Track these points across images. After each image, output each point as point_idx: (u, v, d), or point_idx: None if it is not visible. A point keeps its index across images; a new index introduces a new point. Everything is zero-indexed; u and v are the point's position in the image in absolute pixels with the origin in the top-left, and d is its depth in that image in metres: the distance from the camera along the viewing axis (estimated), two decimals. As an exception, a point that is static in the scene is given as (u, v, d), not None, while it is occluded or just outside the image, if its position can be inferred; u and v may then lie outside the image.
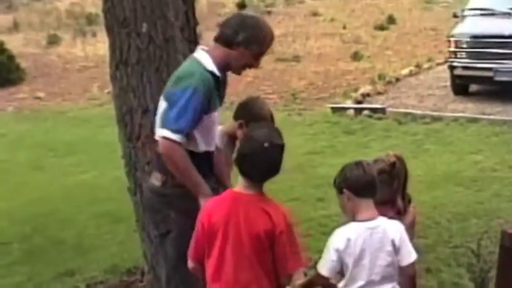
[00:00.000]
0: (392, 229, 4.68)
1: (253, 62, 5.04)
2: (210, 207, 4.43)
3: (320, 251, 6.37)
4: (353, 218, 4.63)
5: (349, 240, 4.53)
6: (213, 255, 4.32)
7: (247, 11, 23.42)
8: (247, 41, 4.87)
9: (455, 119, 14.06)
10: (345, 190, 4.60)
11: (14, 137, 14.99)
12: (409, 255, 4.73)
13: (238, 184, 4.38)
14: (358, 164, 4.68)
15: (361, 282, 4.61)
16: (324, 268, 4.59)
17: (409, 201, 5.13)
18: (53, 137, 14.80)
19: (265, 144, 4.28)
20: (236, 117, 5.50)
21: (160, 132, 4.81)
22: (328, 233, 8.06)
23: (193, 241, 4.45)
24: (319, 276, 4.63)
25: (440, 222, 8.49)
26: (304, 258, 4.47)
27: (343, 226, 4.64)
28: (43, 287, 7.14)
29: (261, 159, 4.27)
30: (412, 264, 4.79)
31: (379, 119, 14.58)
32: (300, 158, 11.30)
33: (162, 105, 4.90)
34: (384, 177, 4.90)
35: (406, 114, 14.75)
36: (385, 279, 4.66)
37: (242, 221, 4.23)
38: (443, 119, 14.20)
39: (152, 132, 5.58)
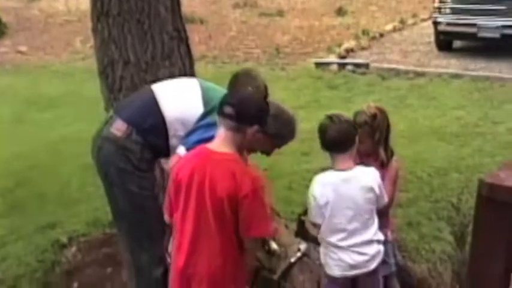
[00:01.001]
0: (369, 176, 4.75)
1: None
2: (182, 161, 4.39)
3: (303, 204, 6.44)
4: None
5: (324, 186, 4.68)
6: (178, 210, 4.28)
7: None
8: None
9: (439, 75, 14.09)
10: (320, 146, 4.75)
11: (-5, 91, 14.82)
12: (383, 199, 4.87)
13: (214, 140, 4.26)
14: (332, 118, 4.76)
15: (343, 234, 4.66)
16: (317, 216, 4.71)
17: (392, 155, 5.17)
18: (35, 91, 14.68)
19: (250, 89, 4.28)
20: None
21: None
22: (311, 187, 8.25)
23: (166, 194, 4.42)
24: (313, 225, 4.78)
25: (421, 176, 8.51)
26: (270, 225, 4.38)
27: (320, 174, 4.77)
28: (25, 240, 7.11)
29: (247, 102, 4.25)
30: (385, 206, 4.96)
31: (363, 74, 14.59)
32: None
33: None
34: (365, 128, 4.94)
35: (390, 69, 14.76)
36: (361, 229, 4.72)
37: (207, 181, 4.13)
38: (427, 75, 14.22)
39: (133, 83, 5.57)
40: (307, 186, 8.14)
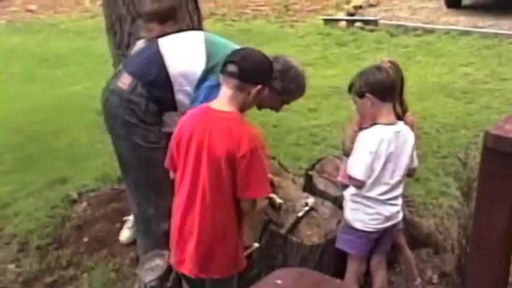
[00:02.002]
0: (411, 134, 4.75)
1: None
2: (185, 118, 4.34)
3: (311, 160, 6.48)
4: (374, 122, 4.65)
5: (381, 142, 4.57)
6: (179, 168, 4.28)
7: None
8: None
9: (447, 32, 14.03)
10: (367, 95, 4.58)
11: (6, 49, 14.85)
12: (416, 159, 4.92)
13: (217, 99, 4.22)
14: (380, 68, 4.65)
15: (385, 187, 4.68)
16: (361, 172, 4.61)
17: (407, 109, 5.13)
18: (45, 49, 14.72)
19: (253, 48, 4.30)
20: None
21: None
22: (318, 143, 8.30)
23: (169, 150, 4.41)
24: (355, 180, 4.65)
25: (429, 132, 8.53)
26: (268, 186, 4.25)
27: (370, 129, 4.65)
28: (35, 195, 7.17)
29: (250, 60, 4.17)
30: (416, 168, 5.00)
31: (371, 31, 14.55)
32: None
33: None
34: None
35: (398, 26, 14.71)
36: (400, 182, 4.77)
37: (206, 140, 4.08)
38: (435, 32, 14.16)
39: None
40: (315, 142, 8.33)
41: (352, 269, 4.91)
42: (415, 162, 4.94)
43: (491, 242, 2.62)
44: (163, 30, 5.17)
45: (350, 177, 4.69)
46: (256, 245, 4.75)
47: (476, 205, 2.74)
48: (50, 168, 7.90)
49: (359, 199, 4.72)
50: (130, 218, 5.91)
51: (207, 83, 4.81)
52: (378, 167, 4.60)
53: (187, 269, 4.29)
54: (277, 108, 5.14)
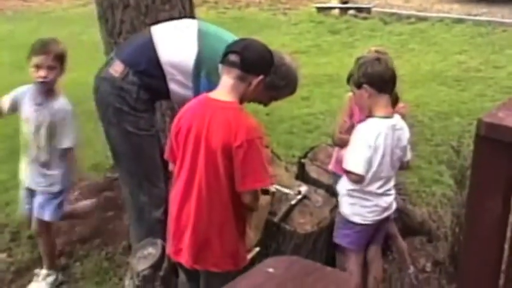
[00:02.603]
0: (406, 127, 4.73)
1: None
2: (184, 108, 4.30)
3: (304, 148, 6.45)
4: (370, 114, 4.61)
5: (379, 135, 4.53)
6: (178, 157, 4.22)
7: None
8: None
9: (441, 20, 14.04)
10: (365, 86, 4.53)
11: (-4, 38, 14.77)
12: (409, 152, 4.91)
13: (217, 89, 4.17)
14: (380, 59, 4.60)
15: (381, 181, 4.67)
16: (361, 167, 4.55)
17: (398, 99, 5.10)
18: (36, 37, 14.45)
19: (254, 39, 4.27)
20: None
21: None
22: (311, 131, 8.29)
23: (168, 141, 4.36)
24: (354, 175, 4.59)
25: (422, 120, 8.54)
26: (267, 177, 4.14)
27: (367, 122, 4.61)
28: (27, 185, 7.15)
29: (252, 50, 4.15)
30: (409, 161, 4.98)
31: (364, 18, 14.55)
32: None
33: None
34: None
35: (392, 14, 14.71)
36: (394, 174, 4.77)
37: (204, 130, 4.03)
38: (429, 20, 14.17)
39: (132, 27, 5.56)
40: (308, 131, 8.32)
41: (353, 262, 4.89)
42: (408, 155, 4.91)
43: (484, 230, 2.60)
44: None
45: (348, 172, 4.64)
46: (256, 249, 4.70)
47: (469, 193, 2.73)
48: (41, 158, 7.85)
49: (356, 193, 4.69)
50: (42, 271, 5.81)
51: (203, 79, 4.79)
52: (376, 161, 4.57)
53: (183, 259, 4.27)
54: (265, 103, 5.10)
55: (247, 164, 3.97)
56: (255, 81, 4.11)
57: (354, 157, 4.60)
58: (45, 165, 5.43)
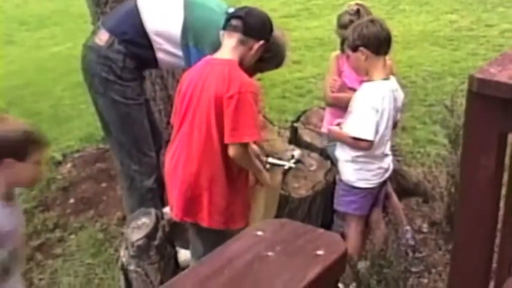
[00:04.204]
0: (400, 88, 4.71)
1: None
2: (188, 71, 4.36)
3: (296, 112, 6.42)
4: (369, 77, 4.55)
5: (383, 98, 4.47)
6: (179, 114, 4.25)
7: None
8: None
9: (432, -21, 13.94)
10: (361, 48, 4.45)
11: (-17, 12, 14.66)
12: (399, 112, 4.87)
13: (219, 50, 4.24)
14: (374, 20, 4.53)
15: (388, 146, 4.67)
16: (371, 132, 4.46)
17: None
18: (24, 10, 14.57)
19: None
20: None
21: None
22: (304, 95, 8.26)
23: (174, 105, 4.38)
24: (364, 141, 4.49)
25: (416, 81, 8.51)
26: (257, 133, 4.13)
27: (368, 87, 4.54)
28: (20, 159, 7.11)
29: (254, 15, 4.26)
30: (399, 120, 4.98)
31: (355, -20, 14.44)
32: (275, 22, 11.20)
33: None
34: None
35: (382, -25, 14.59)
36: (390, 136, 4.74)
37: (201, 83, 4.11)
38: (420, -20, 14.07)
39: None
40: (300, 95, 8.28)
41: (356, 228, 4.85)
42: (398, 115, 4.89)
43: (479, 188, 2.57)
44: None
45: (357, 139, 4.52)
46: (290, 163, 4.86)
47: (462, 150, 2.69)
48: (33, 131, 7.81)
49: (362, 159, 4.62)
50: None
51: (193, 48, 4.75)
52: (382, 124, 4.51)
53: (174, 213, 4.33)
54: (249, 74, 5.07)
55: (237, 116, 3.98)
56: (256, 45, 4.21)
57: (363, 123, 4.50)
58: None
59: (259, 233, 1.46)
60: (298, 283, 1.31)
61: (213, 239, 4.15)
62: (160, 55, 4.87)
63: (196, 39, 4.67)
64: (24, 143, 3.32)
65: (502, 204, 2.73)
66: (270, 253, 1.39)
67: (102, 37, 4.87)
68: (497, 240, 2.86)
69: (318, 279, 1.34)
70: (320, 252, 1.41)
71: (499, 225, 2.82)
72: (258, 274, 1.33)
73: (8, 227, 3.40)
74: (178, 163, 4.21)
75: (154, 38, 4.82)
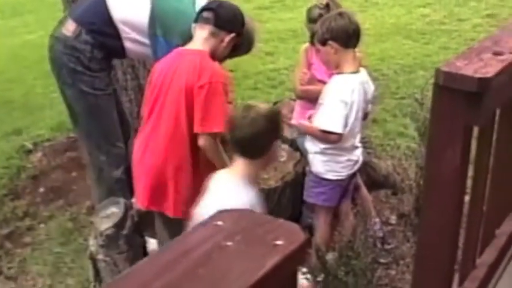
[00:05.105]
0: (370, 80, 4.73)
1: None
2: (159, 62, 4.37)
3: (268, 103, 6.41)
4: (339, 70, 4.57)
5: (353, 91, 4.49)
6: (149, 104, 4.28)
7: None
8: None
9: (405, -28, 13.96)
10: (330, 42, 4.46)
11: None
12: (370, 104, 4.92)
13: (191, 42, 4.29)
14: (342, 14, 4.55)
15: (358, 138, 4.69)
16: (339, 125, 4.48)
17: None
18: (-1, 0, 14.48)
19: None
20: None
21: None
22: (276, 86, 8.26)
23: (144, 96, 4.41)
24: (333, 134, 4.51)
25: (387, 74, 8.52)
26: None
27: (337, 80, 4.57)
28: (-10, 147, 7.09)
29: (225, 7, 4.31)
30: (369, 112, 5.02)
31: (329, -28, 14.44)
32: (248, 13, 11.19)
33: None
34: None
35: (356, -33, 14.60)
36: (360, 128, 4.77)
37: (171, 73, 4.14)
38: (393, -28, 14.09)
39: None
40: (273, 86, 8.29)
41: (325, 220, 4.87)
42: (369, 107, 4.91)
43: (444, 180, 2.60)
44: None
45: (325, 132, 4.55)
46: None
47: (428, 143, 2.72)
48: (4, 120, 7.79)
49: (330, 151, 4.65)
50: None
51: (161, 39, 4.74)
52: (351, 117, 4.53)
53: (140, 201, 4.36)
54: (219, 60, 5.08)
55: (207, 106, 4.02)
56: (227, 37, 4.27)
57: (331, 116, 4.53)
58: None
59: (219, 222, 1.46)
60: (257, 272, 1.32)
61: (178, 228, 4.15)
62: (127, 44, 4.86)
63: (164, 30, 4.68)
64: None
65: (467, 197, 2.76)
66: (229, 243, 1.39)
67: (70, 27, 4.85)
68: (462, 232, 2.89)
69: (277, 269, 1.35)
70: (279, 242, 1.41)
71: (464, 218, 2.85)
72: (216, 263, 1.34)
73: None
74: (145, 152, 4.23)
75: (121, 26, 4.81)
